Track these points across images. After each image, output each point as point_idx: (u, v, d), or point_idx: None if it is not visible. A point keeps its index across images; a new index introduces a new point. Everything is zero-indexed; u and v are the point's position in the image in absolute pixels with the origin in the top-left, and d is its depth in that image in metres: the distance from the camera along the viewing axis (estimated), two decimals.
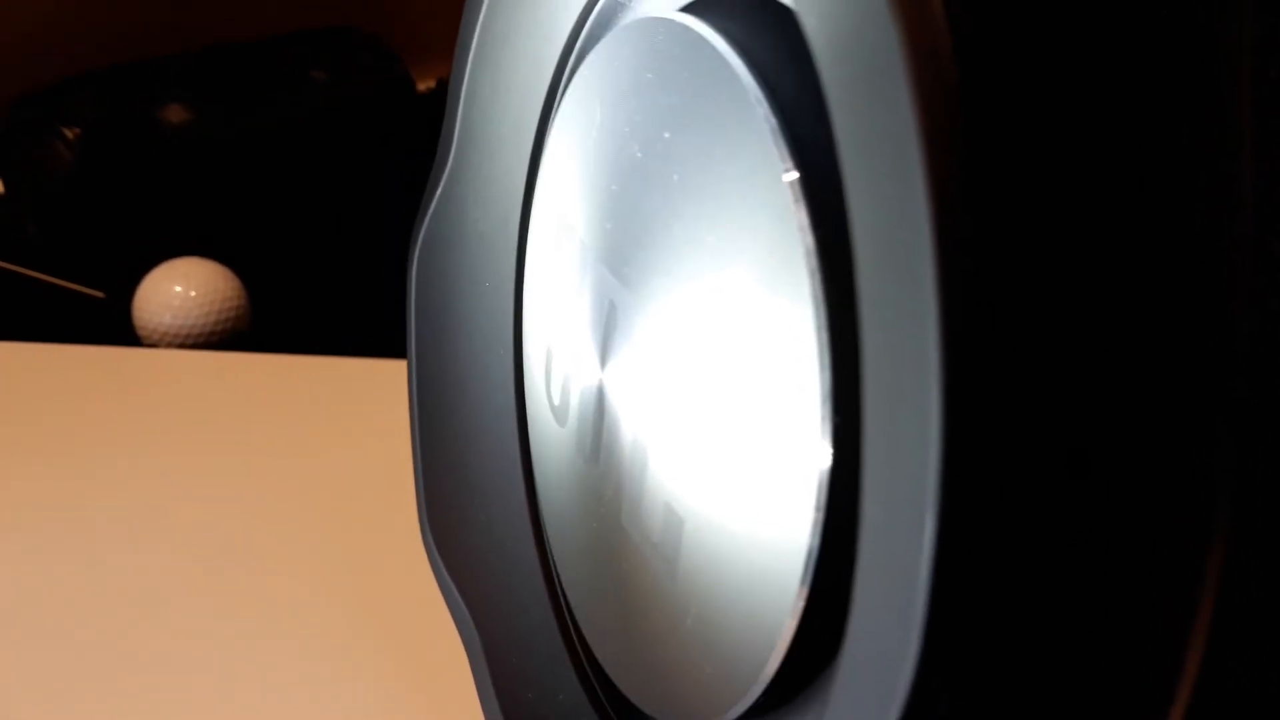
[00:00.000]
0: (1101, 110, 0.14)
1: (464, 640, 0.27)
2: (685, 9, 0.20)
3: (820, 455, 0.16)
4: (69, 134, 0.73)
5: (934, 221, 0.13)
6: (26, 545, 0.41)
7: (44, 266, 0.69)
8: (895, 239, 0.14)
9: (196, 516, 0.42)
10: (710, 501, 0.18)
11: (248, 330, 0.62)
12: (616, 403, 0.21)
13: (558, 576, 0.25)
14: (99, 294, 0.67)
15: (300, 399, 0.51)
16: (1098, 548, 0.14)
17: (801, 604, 0.17)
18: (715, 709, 0.19)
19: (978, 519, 0.14)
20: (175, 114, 0.75)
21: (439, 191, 0.26)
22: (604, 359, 0.21)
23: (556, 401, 0.23)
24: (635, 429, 0.20)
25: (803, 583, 0.17)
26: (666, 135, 0.19)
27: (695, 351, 0.19)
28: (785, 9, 0.17)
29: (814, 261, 0.16)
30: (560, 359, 0.23)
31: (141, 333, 0.61)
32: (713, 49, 0.18)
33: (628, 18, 0.22)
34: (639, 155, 0.20)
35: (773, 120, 0.17)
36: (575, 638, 0.25)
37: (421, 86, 0.84)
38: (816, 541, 0.16)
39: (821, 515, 0.16)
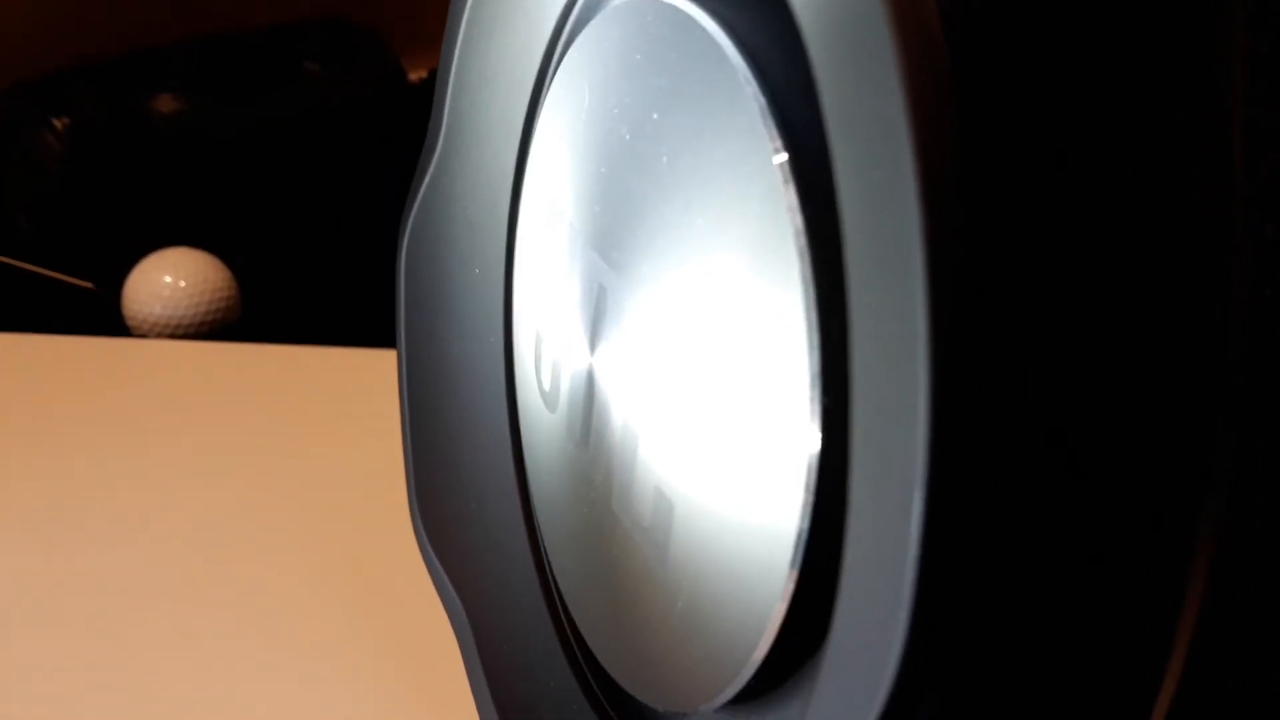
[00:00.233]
0: (1095, 93, 0.14)
1: (455, 628, 0.27)
2: None
3: (809, 437, 0.16)
4: (59, 125, 0.73)
5: (924, 208, 0.13)
6: (14, 535, 0.41)
7: (33, 257, 0.69)
8: (885, 224, 0.14)
9: (186, 507, 0.42)
10: (700, 485, 0.18)
11: (237, 321, 0.62)
12: (606, 387, 0.21)
13: (549, 563, 0.25)
14: (88, 284, 0.67)
15: (290, 389, 0.51)
16: (1084, 536, 0.14)
17: (791, 587, 0.17)
18: (706, 693, 0.19)
19: (965, 504, 0.14)
20: (165, 105, 0.75)
21: (427, 179, 0.26)
22: (594, 343, 0.21)
23: (546, 387, 0.23)
24: (625, 413, 0.20)
25: (792, 566, 0.17)
26: (655, 117, 0.19)
27: (685, 334, 0.19)
28: None
29: (803, 242, 0.16)
30: (550, 344, 0.23)
31: (131, 323, 0.61)
32: (702, 30, 0.18)
33: (616, 0, 0.22)
34: (628, 137, 0.20)
35: (762, 100, 0.17)
36: (566, 624, 0.25)
37: (413, 76, 0.84)
38: (806, 524, 0.16)
39: (811, 498, 0.16)
